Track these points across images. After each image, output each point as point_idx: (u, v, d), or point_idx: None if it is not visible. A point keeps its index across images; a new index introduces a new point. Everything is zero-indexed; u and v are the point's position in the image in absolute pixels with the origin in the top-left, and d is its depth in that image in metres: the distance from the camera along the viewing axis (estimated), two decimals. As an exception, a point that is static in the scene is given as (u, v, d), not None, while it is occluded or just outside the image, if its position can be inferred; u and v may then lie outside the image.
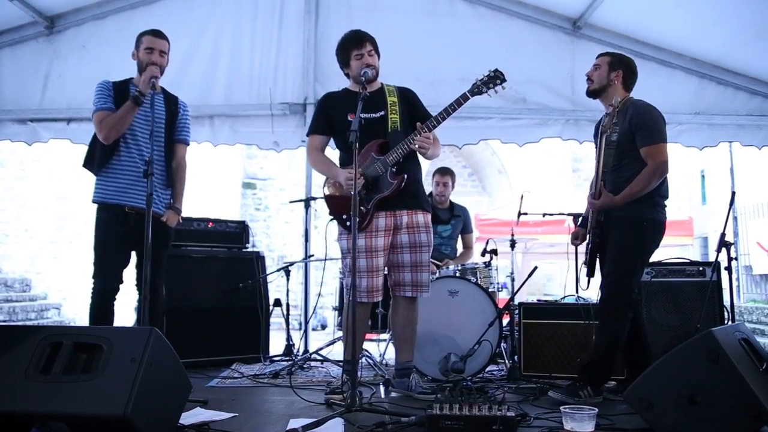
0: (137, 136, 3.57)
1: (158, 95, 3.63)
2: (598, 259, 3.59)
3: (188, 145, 3.86)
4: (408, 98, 3.70)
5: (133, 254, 3.60)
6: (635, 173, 3.36)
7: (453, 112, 3.47)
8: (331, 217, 3.63)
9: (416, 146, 3.43)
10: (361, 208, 3.46)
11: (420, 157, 3.65)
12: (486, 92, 3.52)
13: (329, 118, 3.65)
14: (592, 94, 3.58)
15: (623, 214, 3.39)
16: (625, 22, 5.11)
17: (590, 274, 3.64)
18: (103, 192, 3.54)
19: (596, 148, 3.75)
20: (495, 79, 3.50)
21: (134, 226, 3.46)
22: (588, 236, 3.58)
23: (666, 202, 3.51)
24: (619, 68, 3.52)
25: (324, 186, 3.70)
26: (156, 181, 3.57)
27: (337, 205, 3.60)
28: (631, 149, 3.37)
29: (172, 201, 3.72)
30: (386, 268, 3.66)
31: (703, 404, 2.41)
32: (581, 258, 3.82)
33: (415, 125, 3.50)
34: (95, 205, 3.57)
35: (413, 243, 3.55)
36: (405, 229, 3.54)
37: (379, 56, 3.64)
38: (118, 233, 3.48)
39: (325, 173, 3.66)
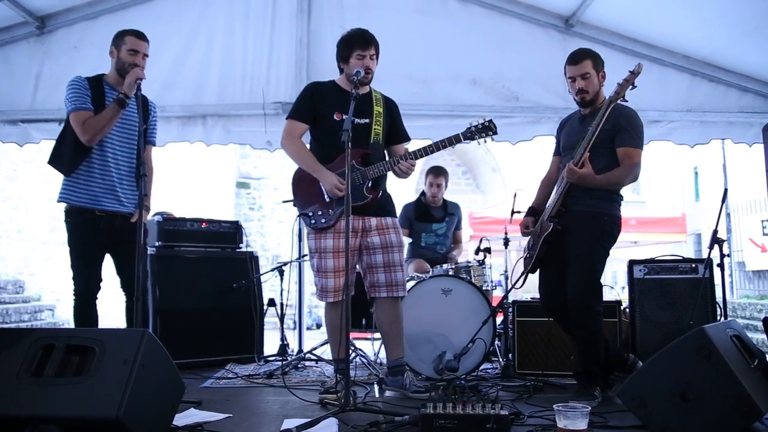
0: (113, 139, 3.57)
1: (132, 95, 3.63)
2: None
3: (155, 146, 3.89)
4: (391, 111, 3.74)
5: (110, 259, 3.63)
6: (602, 167, 3.33)
7: (442, 149, 3.54)
8: (299, 213, 3.66)
9: (398, 170, 3.51)
10: (330, 210, 3.51)
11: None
12: (476, 140, 3.57)
13: (314, 108, 3.61)
14: (588, 104, 3.49)
15: (584, 210, 3.38)
16: (617, 19, 5.12)
17: (534, 270, 3.60)
18: (73, 195, 3.52)
19: (559, 139, 3.75)
20: (488, 129, 3.55)
21: (104, 228, 3.51)
22: (543, 226, 3.50)
23: (621, 201, 3.53)
24: (602, 68, 3.50)
25: (293, 180, 3.69)
26: (127, 183, 3.61)
27: (304, 202, 3.62)
28: (604, 147, 3.35)
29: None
30: (360, 270, 3.70)
31: (696, 401, 2.42)
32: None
33: (390, 140, 3.66)
34: (62, 205, 3.56)
35: (384, 243, 3.57)
36: (375, 231, 3.57)
37: (377, 62, 3.64)
38: (93, 235, 3.51)
39: (308, 168, 3.58)
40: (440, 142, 3.51)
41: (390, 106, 3.74)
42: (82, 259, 3.52)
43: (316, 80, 4.04)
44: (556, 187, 3.54)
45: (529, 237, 3.70)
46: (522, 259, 3.75)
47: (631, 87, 3.22)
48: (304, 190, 3.62)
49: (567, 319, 3.48)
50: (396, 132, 3.73)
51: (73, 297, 3.52)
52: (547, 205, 3.60)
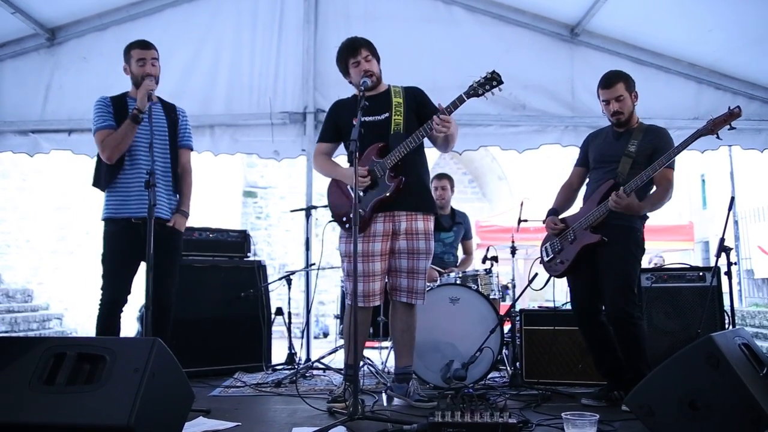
0: (140, 148, 3.58)
1: (156, 105, 3.66)
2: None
3: (192, 149, 3.89)
4: (415, 97, 3.66)
5: (143, 265, 3.62)
6: (640, 187, 3.39)
7: (453, 111, 3.40)
8: (331, 219, 3.66)
9: (434, 131, 3.34)
10: (360, 211, 3.45)
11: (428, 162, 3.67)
12: (482, 95, 3.41)
13: (337, 124, 3.68)
14: (623, 125, 3.56)
15: (623, 224, 3.45)
16: (623, 28, 5.14)
17: (563, 276, 3.68)
18: (110, 207, 3.57)
19: (585, 151, 3.78)
20: (492, 80, 3.40)
21: (142, 237, 3.49)
22: (579, 235, 3.56)
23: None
24: (634, 89, 3.55)
25: (327, 193, 3.72)
26: (162, 188, 3.60)
27: (337, 209, 3.64)
28: (642, 167, 3.39)
29: (178, 205, 3.75)
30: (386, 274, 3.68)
31: (704, 409, 2.41)
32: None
33: (425, 119, 3.44)
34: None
35: (411, 249, 3.56)
36: (404, 235, 3.55)
37: (378, 60, 3.64)
38: (126, 244, 3.49)
39: (329, 173, 3.69)
40: (448, 107, 3.36)
41: (413, 93, 3.68)
42: (113, 268, 3.52)
43: (326, 99, 4.08)
44: (595, 203, 3.53)
45: (551, 241, 3.73)
46: (541, 262, 3.79)
47: (728, 128, 3.21)
48: (336, 198, 3.65)
49: (593, 323, 3.59)
50: (428, 113, 3.50)
51: (99, 305, 3.49)
52: (581, 215, 3.62)
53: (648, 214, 3.57)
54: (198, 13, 5.38)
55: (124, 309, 3.52)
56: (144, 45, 3.63)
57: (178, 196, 3.75)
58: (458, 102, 3.39)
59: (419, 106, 3.64)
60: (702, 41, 4.98)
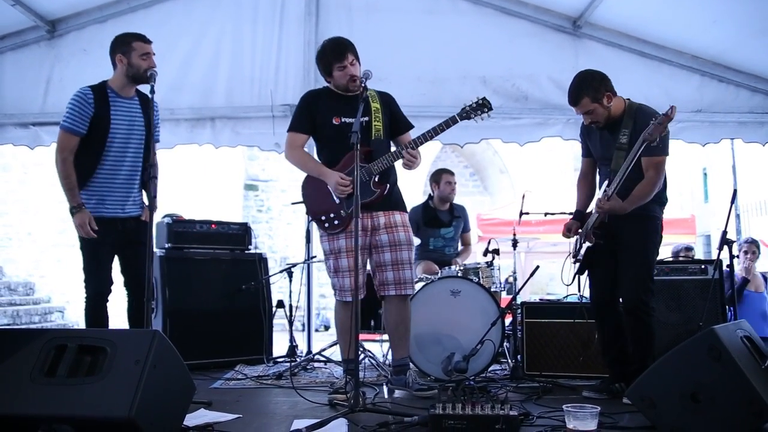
0: (121, 144, 3.58)
1: (134, 99, 3.65)
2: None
3: (158, 142, 3.81)
4: (389, 105, 3.74)
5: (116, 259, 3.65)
6: (637, 177, 3.35)
7: (441, 133, 3.53)
8: (310, 219, 3.68)
9: (404, 160, 3.50)
10: (341, 212, 3.52)
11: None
12: (473, 118, 3.58)
13: (313, 117, 3.64)
14: (605, 128, 3.53)
15: (642, 213, 3.40)
16: (625, 20, 5.11)
17: (582, 271, 3.66)
18: (88, 205, 3.52)
19: (585, 143, 3.76)
20: (483, 107, 3.58)
21: (116, 231, 3.53)
22: (586, 234, 3.56)
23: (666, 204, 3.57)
24: (602, 92, 3.41)
25: (303, 189, 3.72)
26: (137, 183, 3.64)
27: (314, 207, 3.65)
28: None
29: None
30: (370, 269, 3.72)
31: (706, 402, 2.41)
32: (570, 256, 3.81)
33: (395, 132, 3.65)
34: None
35: (393, 242, 3.59)
36: (383, 229, 3.59)
37: (360, 62, 3.63)
38: (104, 238, 3.51)
39: (312, 172, 3.64)
40: (438, 127, 3.51)
41: (387, 100, 3.74)
42: (94, 262, 3.54)
43: (310, 89, 4.06)
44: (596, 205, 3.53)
45: (576, 239, 3.72)
46: (573, 260, 3.77)
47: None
48: (314, 195, 3.65)
49: (611, 312, 3.57)
50: (398, 123, 3.72)
51: (85, 300, 3.54)
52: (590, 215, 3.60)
53: (667, 200, 3.55)
54: (198, 5, 5.35)
55: (109, 300, 3.56)
56: (147, 39, 3.64)
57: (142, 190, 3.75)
58: (451, 122, 3.55)
59: (393, 114, 3.73)
60: (705, 33, 4.96)
